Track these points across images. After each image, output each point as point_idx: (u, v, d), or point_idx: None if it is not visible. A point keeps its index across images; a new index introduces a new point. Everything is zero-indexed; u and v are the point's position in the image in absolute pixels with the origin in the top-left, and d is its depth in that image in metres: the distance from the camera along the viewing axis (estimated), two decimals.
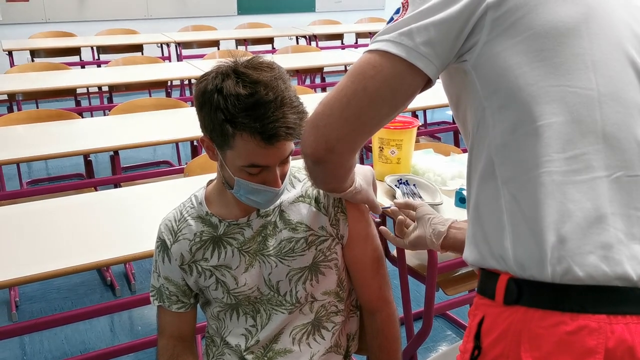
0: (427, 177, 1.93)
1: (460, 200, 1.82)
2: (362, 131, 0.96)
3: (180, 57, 5.21)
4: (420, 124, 2.13)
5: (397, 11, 0.95)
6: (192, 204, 1.33)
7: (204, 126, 1.18)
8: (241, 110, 1.09)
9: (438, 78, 0.96)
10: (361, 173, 1.28)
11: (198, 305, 1.41)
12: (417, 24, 0.89)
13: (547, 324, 0.82)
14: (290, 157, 1.22)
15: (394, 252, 2.07)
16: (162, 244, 1.33)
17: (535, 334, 0.83)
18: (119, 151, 2.70)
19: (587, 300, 0.81)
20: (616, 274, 0.81)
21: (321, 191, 1.30)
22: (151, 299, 1.38)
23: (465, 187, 1.85)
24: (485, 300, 0.91)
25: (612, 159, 0.84)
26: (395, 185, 1.87)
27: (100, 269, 2.95)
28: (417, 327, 2.08)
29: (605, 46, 0.87)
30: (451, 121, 4.64)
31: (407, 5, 0.93)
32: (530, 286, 0.84)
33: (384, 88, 0.91)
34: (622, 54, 0.88)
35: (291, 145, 1.18)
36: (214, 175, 1.33)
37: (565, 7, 0.87)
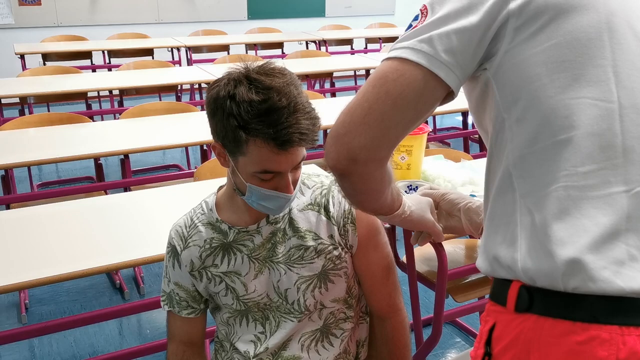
0: (437, 183, 1.93)
1: None
2: (386, 137, 0.89)
3: (190, 62, 5.23)
4: (430, 130, 2.12)
5: (416, 18, 0.91)
6: (202, 210, 1.33)
7: (215, 133, 1.17)
8: (254, 116, 1.09)
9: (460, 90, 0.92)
10: (414, 199, 1.25)
11: (208, 311, 1.41)
12: (438, 31, 0.86)
13: (557, 332, 0.81)
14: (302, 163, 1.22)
15: (403, 258, 2.06)
16: (172, 250, 1.33)
17: (545, 343, 0.82)
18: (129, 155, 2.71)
19: (599, 311, 0.80)
20: (632, 289, 0.80)
21: (331, 200, 1.30)
22: (162, 303, 1.38)
23: (475, 194, 1.84)
24: (497, 307, 0.91)
25: (632, 174, 0.83)
26: (405, 191, 1.86)
27: (110, 272, 2.96)
28: (426, 333, 2.07)
29: (628, 56, 0.85)
30: (461, 127, 4.62)
31: (427, 12, 0.90)
32: (542, 294, 0.84)
33: (408, 91, 0.87)
34: None
35: (303, 151, 1.18)
36: (224, 180, 1.33)
37: (587, 17, 0.85)
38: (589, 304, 0.80)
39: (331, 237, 1.29)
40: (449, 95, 0.90)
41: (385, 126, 0.88)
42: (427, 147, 2.15)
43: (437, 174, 1.95)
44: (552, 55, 0.84)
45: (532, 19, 0.85)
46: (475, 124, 1.04)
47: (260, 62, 1.17)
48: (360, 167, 0.91)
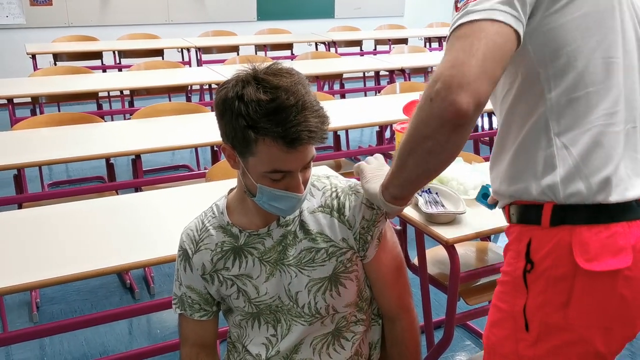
0: (451, 186, 1.92)
1: (483, 196, 1.66)
2: (494, 86, 0.98)
3: (200, 62, 5.24)
4: None
5: None
6: (213, 214, 1.33)
7: (225, 134, 1.17)
8: (263, 115, 1.09)
9: None
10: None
11: (219, 313, 1.41)
12: None
13: (590, 233, 1.06)
14: (312, 163, 1.22)
15: (414, 260, 2.06)
16: (183, 253, 1.33)
17: (583, 242, 1.05)
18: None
19: (614, 213, 1.07)
20: (633, 197, 1.08)
21: (346, 203, 1.28)
22: (173, 307, 1.38)
23: (490, 185, 1.83)
24: (529, 227, 1.11)
25: (628, 115, 1.09)
26: (418, 194, 1.86)
27: (120, 272, 2.97)
28: (436, 336, 2.07)
29: (628, 22, 1.10)
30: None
31: None
32: (573, 209, 1.07)
33: (507, 44, 0.99)
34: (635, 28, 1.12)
35: (313, 150, 1.17)
36: (235, 181, 1.33)
37: None
38: (607, 211, 1.07)
39: (344, 240, 1.28)
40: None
41: (498, 74, 0.98)
42: None
43: (452, 176, 1.95)
44: (582, 23, 1.06)
45: None
46: None
47: (268, 63, 1.17)
48: (478, 114, 0.98)
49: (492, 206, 1.58)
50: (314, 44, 5.89)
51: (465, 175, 1.95)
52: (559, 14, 1.05)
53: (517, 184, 1.13)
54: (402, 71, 4.60)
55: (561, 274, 1.07)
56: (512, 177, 1.14)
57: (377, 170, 1.28)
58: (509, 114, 1.14)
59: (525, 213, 1.12)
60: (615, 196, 1.06)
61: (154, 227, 1.81)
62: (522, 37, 1.01)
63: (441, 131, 0.98)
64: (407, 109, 2.09)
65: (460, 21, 0.99)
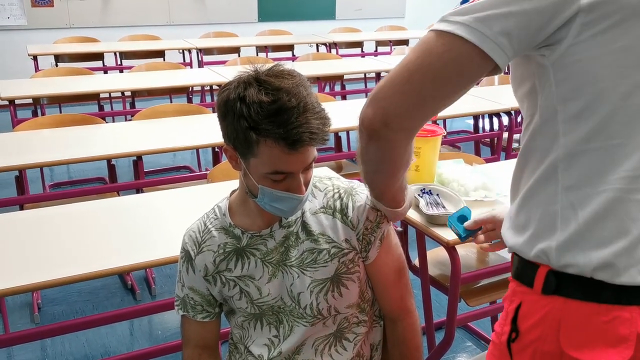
0: (451, 187, 1.92)
1: (459, 219, 1.37)
2: (421, 109, 0.92)
3: (201, 64, 5.24)
4: (445, 133, 2.12)
5: None
6: (215, 215, 1.33)
7: (226, 135, 1.18)
8: (264, 117, 1.10)
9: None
10: (409, 196, 1.28)
11: (222, 314, 1.41)
12: (497, 11, 0.84)
13: (585, 313, 0.89)
14: (313, 165, 1.22)
15: (415, 261, 2.06)
16: (186, 255, 1.33)
17: (574, 322, 0.89)
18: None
19: (621, 295, 0.88)
20: None
21: (350, 204, 1.29)
22: (176, 308, 1.38)
23: (488, 199, 1.82)
24: (522, 288, 0.97)
25: None
26: (419, 195, 1.86)
27: (122, 273, 2.97)
28: (437, 337, 2.07)
29: None
30: (472, 130, 4.61)
31: None
32: (570, 280, 0.90)
33: (450, 67, 0.88)
34: None
35: (314, 152, 1.18)
36: (237, 182, 1.33)
37: None
38: (613, 289, 0.88)
39: (347, 241, 1.29)
40: (494, 70, 0.90)
41: (422, 98, 0.90)
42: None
43: (453, 178, 1.95)
44: (618, 58, 0.84)
45: (602, 17, 0.83)
46: (513, 93, 1.04)
47: (270, 65, 1.18)
48: (391, 134, 0.94)
49: (465, 233, 1.31)
50: (315, 45, 5.89)
51: (465, 177, 1.95)
52: (592, 43, 0.84)
53: (517, 236, 0.98)
54: None
55: (549, 350, 0.92)
56: (515, 227, 0.99)
57: None
58: (525, 151, 0.98)
59: (522, 269, 0.98)
60: (626, 278, 0.86)
61: (155, 228, 1.82)
62: (495, 59, 0.86)
63: (360, 136, 0.99)
64: None
65: (433, 27, 0.91)
